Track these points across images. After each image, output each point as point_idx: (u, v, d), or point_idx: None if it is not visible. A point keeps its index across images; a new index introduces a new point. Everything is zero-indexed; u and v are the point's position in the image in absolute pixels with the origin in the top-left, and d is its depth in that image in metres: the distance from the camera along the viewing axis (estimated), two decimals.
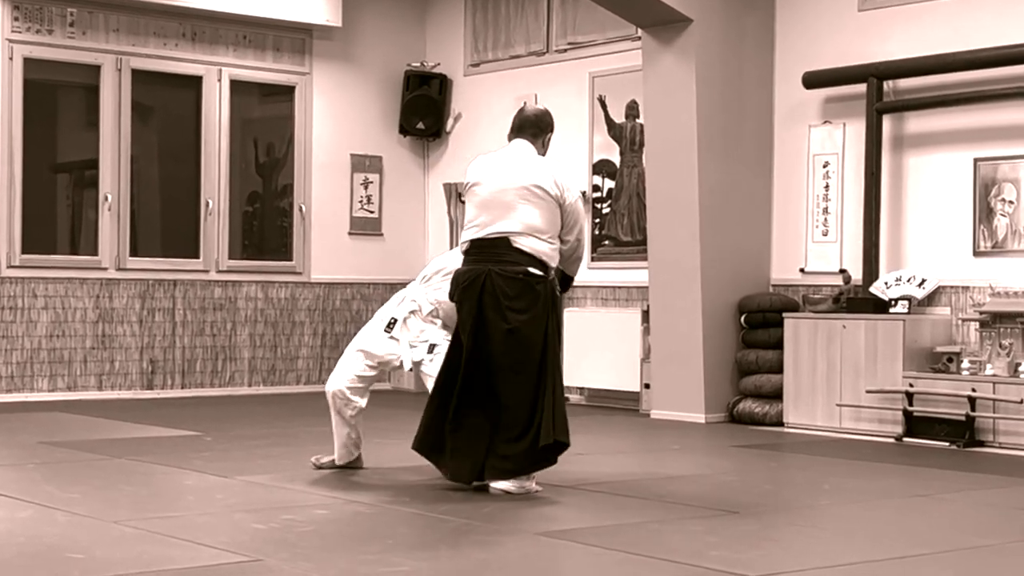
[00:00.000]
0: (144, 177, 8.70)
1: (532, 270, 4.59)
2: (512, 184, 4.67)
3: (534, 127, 4.80)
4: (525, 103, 5.38)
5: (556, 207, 4.66)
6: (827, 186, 7.40)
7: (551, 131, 4.88)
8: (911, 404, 6.57)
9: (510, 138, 4.88)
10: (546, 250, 4.64)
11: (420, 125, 9.40)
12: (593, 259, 8.37)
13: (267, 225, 9.22)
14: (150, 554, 3.58)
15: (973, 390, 6.34)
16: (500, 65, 9.12)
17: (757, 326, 7.38)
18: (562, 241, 4.73)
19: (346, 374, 5.09)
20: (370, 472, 5.17)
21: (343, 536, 3.92)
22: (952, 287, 6.84)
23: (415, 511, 4.35)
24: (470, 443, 4.63)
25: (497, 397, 4.61)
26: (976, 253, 6.77)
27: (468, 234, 4.74)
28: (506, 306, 4.58)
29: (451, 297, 4.78)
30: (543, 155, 4.82)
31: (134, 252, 8.55)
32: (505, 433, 4.60)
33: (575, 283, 5.27)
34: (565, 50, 8.72)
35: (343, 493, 4.66)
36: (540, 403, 4.56)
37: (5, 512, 4.18)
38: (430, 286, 5.10)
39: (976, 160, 6.78)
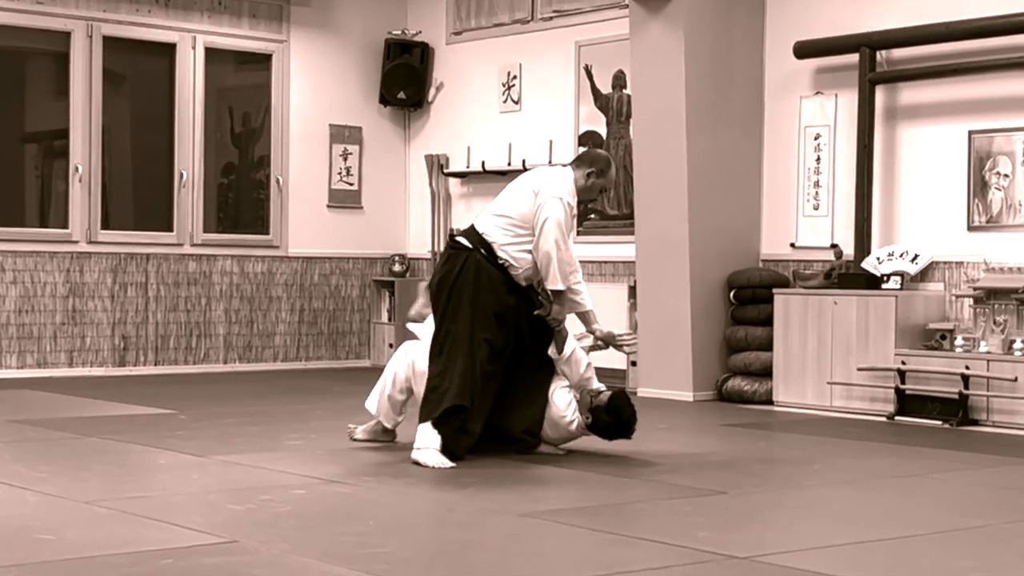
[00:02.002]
0: (116, 147, 8.58)
1: (458, 238, 4.96)
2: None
3: (578, 159, 5.16)
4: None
5: (532, 198, 4.87)
6: (818, 159, 7.33)
7: (592, 168, 5.03)
8: (903, 382, 6.52)
9: None
10: (489, 228, 4.88)
11: (401, 95, 9.29)
12: (579, 233, 8.22)
13: (243, 197, 9.12)
14: (123, 535, 3.53)
15: (967, 368, 6.29)
16: (483, 33, 9.03)
17: (746, 302, 7.31)
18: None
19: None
20: (349, 452, 5.12)
21: (321, 517, 3.86)
22: (946, 262, 6.79)
23: (395, 491, 4.30)
24: None
25: None
26: (970, 228, 6.72)
27: None
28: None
29: None
30: (583, 184, 5.00)
31: (105, 225, 8.41)
32: None
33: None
34: (550, 18, 8.62)
35: (321, 473, 4.60)
36: (432, 363, 4.83)
37: None
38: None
39: (971, 132, 6.72)
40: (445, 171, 9.22)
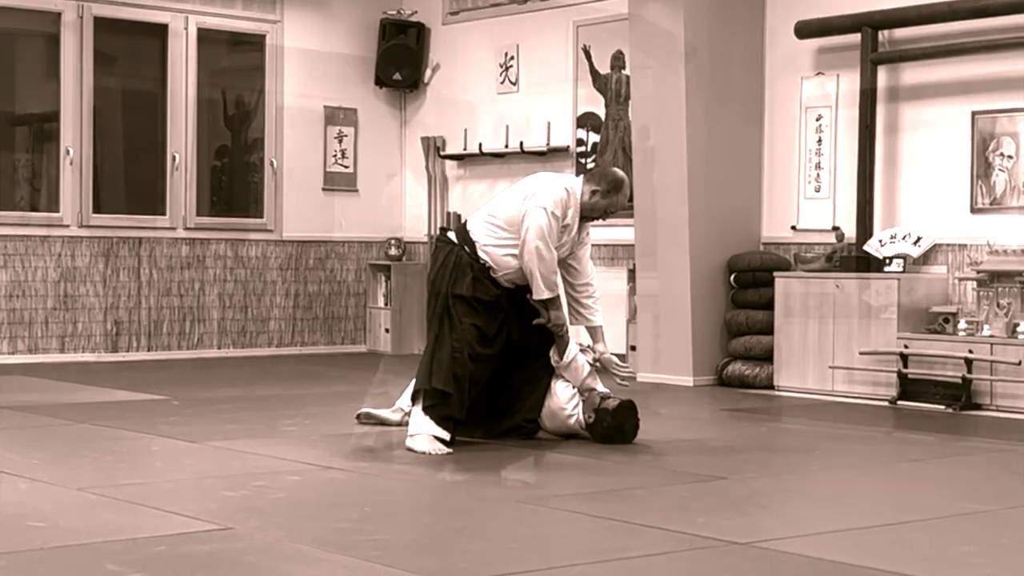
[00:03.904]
0: (107, 130, 8.50)
1: (447, 232, 5.02)
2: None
3: (592, 172, 5.09)
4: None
5: (521, 203, 4.83)
6: (820, 140, 7.26)
7: (599, 187, 4.92)
8: (906, 366, 6.47)
9: None
10: (476, 226, 4.88)
11: (397, 76, 9.21)
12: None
13: (237, 180, 9.05)
14: (115, 523, 3.50)
15: (970, 351, 6.25)
16: (480, 13, 8.96)
17: (747, 286, 7.26)
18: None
19: None
20: (345, 438, 5.07)
21: (316, 503, 3.83)
22: (949, 245, 6.74)
23: (391, 477, 4.27)
24: None
25: None
26: (974, 210, 6.66)
27: None
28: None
29: None
30: (586, 200, 4.88)
31: (97, 208, 8.34)
32: None
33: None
34: None
35: (316, 459, 4.56)
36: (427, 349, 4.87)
37: None
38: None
39: (974, 113, 6.66)
40: (442, 153, 9.14)
